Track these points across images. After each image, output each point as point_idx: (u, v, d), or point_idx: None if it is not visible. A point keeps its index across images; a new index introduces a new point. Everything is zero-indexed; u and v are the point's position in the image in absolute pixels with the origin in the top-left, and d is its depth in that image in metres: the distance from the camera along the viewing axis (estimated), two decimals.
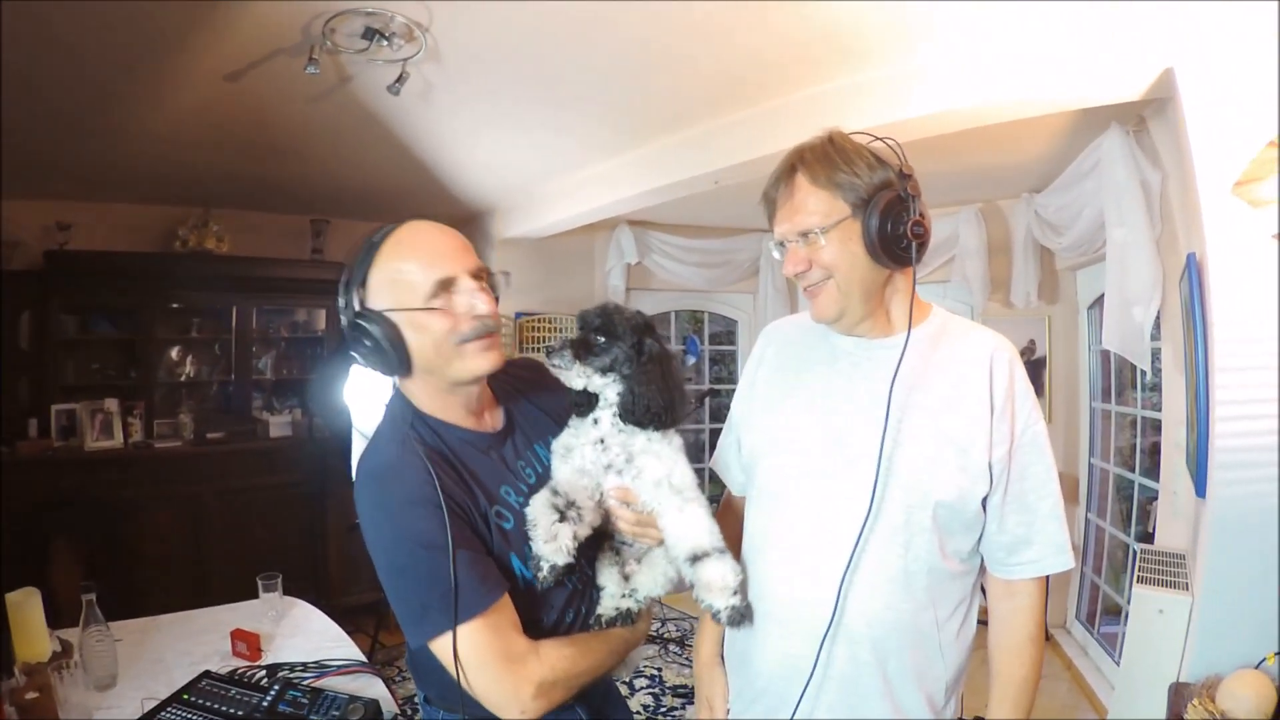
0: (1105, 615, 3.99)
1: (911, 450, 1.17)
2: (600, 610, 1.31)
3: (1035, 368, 4.51)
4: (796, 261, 1.19)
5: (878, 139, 1.20)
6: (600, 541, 1.33)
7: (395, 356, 1.18)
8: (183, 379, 4.63)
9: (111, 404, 4.11)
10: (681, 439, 1.30)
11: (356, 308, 1.19)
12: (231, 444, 4.50)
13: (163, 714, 1.57)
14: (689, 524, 1.22)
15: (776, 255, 1.24)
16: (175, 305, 4.51)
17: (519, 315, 5.15)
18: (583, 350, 1.24)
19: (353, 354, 1.21)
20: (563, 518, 1.19)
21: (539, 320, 5.17)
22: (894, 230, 1.14)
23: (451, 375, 1.22)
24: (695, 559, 1.21)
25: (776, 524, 1.27)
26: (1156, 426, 3.27)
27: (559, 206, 4.47)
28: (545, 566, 1.17)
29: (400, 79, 2.60)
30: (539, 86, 2.90)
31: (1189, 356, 2.26)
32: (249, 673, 1.77)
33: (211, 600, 2.29)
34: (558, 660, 1.19)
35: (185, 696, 1.62)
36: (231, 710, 1.56)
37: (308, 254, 5.01)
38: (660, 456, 1.25)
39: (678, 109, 3.17)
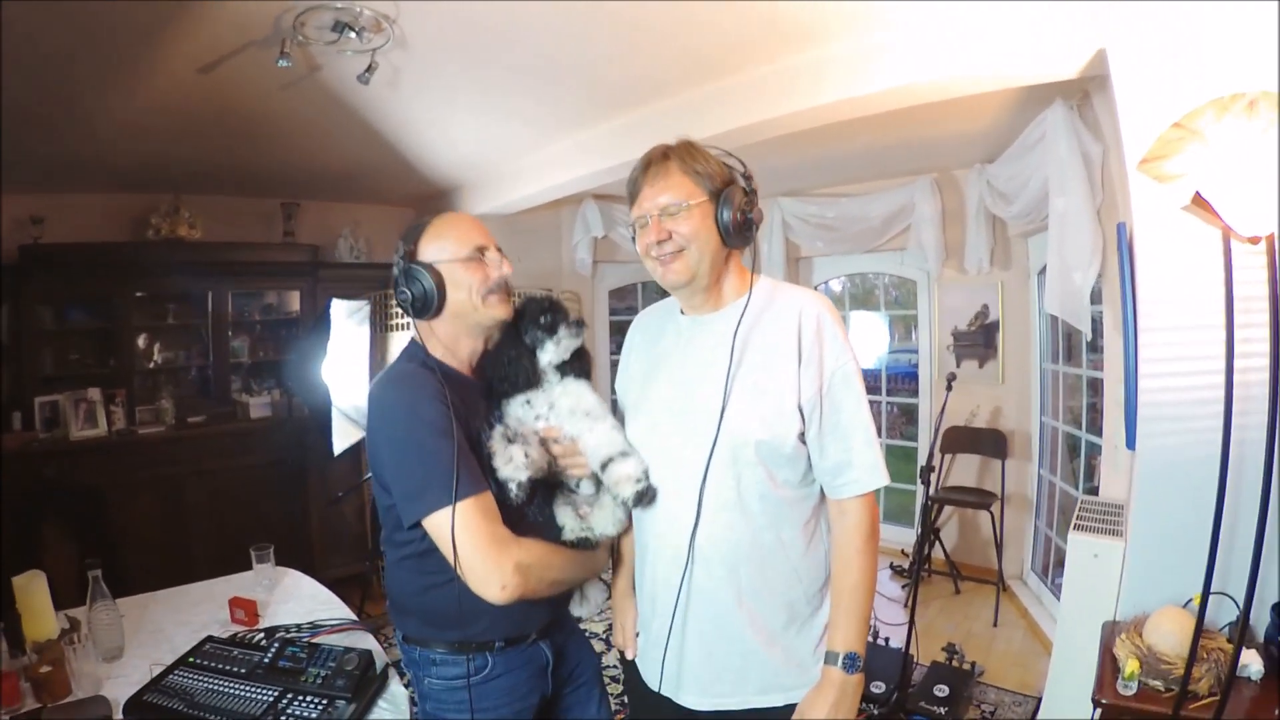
0: (1058, 567, 4.11)
1: (734, 400, 1.40)
2: (564, 537, 1.56)
3: (989, 331, 4.69)
4: (659, 232, 1.40)
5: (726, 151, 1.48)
6: (554, 491, 1.59)
7: (435, 299, 1.46)
8: (160, 365, 4.64)
9: (94, 393, 4.13)
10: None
11: (408, 262, 1.48)
12: (212, 426, 4.55)
13: (171, 676, 1.66)
14: (597, 438, 1.50)
15: (632, 237, 1.48)
16: (150, 293, 4.52)
17: None
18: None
19: (398, 298, 1.49)
20: (511, 442, 1.46)
21: None
22: (741, 216, 1.41)
23: (476, 319, 1.50)
24: (605, 465, 1.47)
25: None
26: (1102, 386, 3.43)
27: (525, 183, 4.53)
28: (513, 486, 1.42)
29: (370, 69, 2.67)
30: (504, 67, 2.97)
31: (1124, 318, 2.42)
32: (248, 636, 1.87)
33: (196, 579, 2.35)
34: (535, 549, 1.42)
35: (191, 659, 1.73)
36: (235, 669, 1.67)
37: (279, 237, 5.04)
38: (568, 392, 1.55)
39: (640, 86, 3.25)
